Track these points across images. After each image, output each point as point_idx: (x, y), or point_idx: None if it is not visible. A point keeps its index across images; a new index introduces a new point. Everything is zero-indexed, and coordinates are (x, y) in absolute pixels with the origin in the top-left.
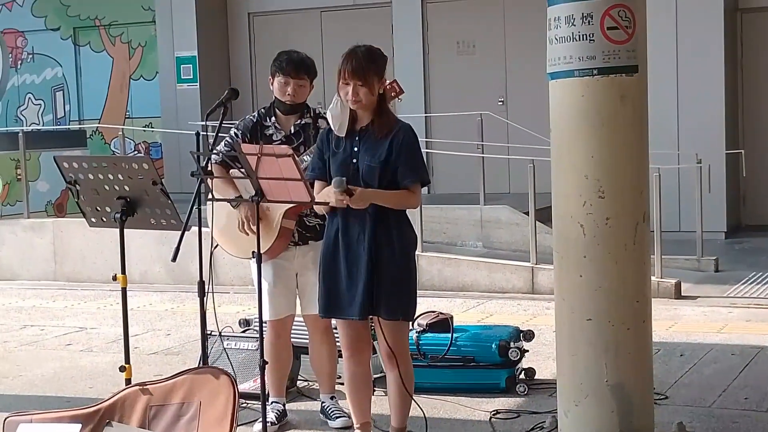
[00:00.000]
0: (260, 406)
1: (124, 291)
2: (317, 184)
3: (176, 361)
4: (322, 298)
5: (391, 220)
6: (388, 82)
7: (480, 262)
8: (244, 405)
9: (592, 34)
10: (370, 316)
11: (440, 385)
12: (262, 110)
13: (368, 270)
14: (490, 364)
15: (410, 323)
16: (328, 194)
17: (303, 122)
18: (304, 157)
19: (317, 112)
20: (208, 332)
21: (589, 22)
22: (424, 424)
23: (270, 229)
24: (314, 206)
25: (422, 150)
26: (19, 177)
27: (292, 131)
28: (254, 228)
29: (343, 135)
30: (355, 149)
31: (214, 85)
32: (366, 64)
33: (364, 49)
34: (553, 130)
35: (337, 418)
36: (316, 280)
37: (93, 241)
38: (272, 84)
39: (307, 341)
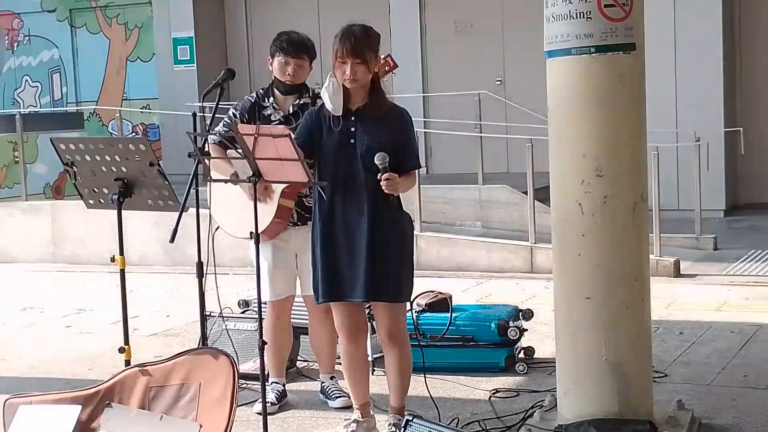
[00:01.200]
0: (260, 386)
1: (122, 273)
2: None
3: (176, 342)
4: (323, 282)
5: (388, 201)
6: (382, 57)
7: (478, 241)
8: (244, 386)
9: (589, 12)
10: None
11: (439, 364)
12: (261, 91)
13: (369, 252)
14: (490, 343)
15: (408, 303)
16: None
17: (301, 102)
18: None
19: (316, 92)
20: (208, 313)
21: None
22: (423, 403)
23: (269, 208)
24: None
25: (420, 130)
26: (16, 159)
27: (291, 111)
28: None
29: (340, 114)
30: (352, 129)
31: (211, 66)
32: (363, 42)
33: (359, 28)
34: (551, 109)
35: (337, 398)
36: None
37: (91, 223)
38: (271, 64)
39: (307, 322)
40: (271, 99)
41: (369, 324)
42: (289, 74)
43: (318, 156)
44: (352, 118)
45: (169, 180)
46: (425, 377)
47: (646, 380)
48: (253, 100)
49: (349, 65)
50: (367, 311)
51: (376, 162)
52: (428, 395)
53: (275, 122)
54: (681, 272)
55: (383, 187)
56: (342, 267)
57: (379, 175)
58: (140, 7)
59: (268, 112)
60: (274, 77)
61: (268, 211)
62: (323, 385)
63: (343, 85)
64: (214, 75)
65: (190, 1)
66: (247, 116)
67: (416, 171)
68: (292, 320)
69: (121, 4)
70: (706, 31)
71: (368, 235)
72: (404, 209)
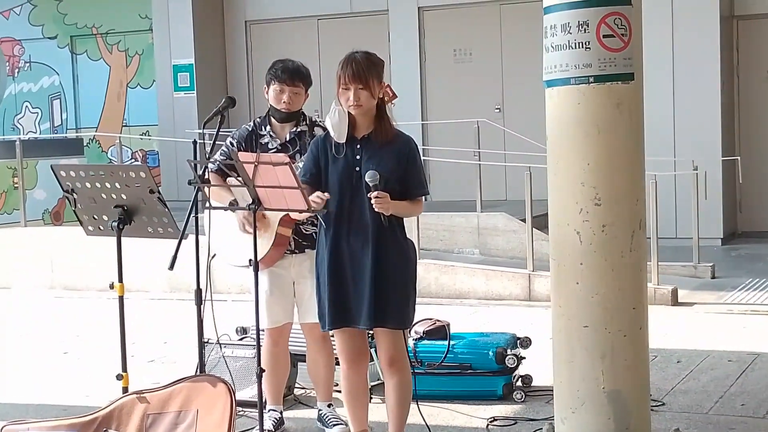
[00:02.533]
0: (257, 413)
1: (121, 299)
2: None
3: (173, 369)
4: (330, 310)
5: (392, 228)
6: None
7: (477, 269)
8: (242, 413)
9: (588, 42)
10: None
11: (437, 392)
12: (258, 119)
13: (374, 279)
14: (487, 371)
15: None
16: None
17: (299, 130)
18: (299, 164)
19: (313, 120)
20: (206, 340)
21: (585, 30)
22: (421, 431)
23: (267, 237)
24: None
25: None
26: (16, 185)
27: (288, 139)
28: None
29: (344, 141)
30: (357, 157)
31: (211, 94)
32: (366, 67)
33: (362, 54)
34: (549, 138)
35: (335, 425)
36: (313, 288)
37: (90, 250)
38: (267, 93)
39: (305, 349)
40: (268, 127)
41: (370, 350)
42: (284, 102)
43: (323, 184)
44: (358, 146)
45: (169, 207)
46: (418, 405)
47: (643, 408)
48: (250, 129)
49: (352, 91)
50: (369, 338)
51: (367, 180)
52: (428, 423)
53: (272, 150)
54: (679, 300)
55: (373, 205)
56: (348, 294)
57: (370, 193)
58: (141, 34)
59: (266, 140)
60: (270, 105)
61: (266, 240)
62: (320, 412)
63: (348, 111)
64: (214, 102)
65: (191, 28)
66: (244, 145)
67: (422, 198)
68: (289, 347)
69: (121, 31)
70: (704, 60)
71: (373, 263)
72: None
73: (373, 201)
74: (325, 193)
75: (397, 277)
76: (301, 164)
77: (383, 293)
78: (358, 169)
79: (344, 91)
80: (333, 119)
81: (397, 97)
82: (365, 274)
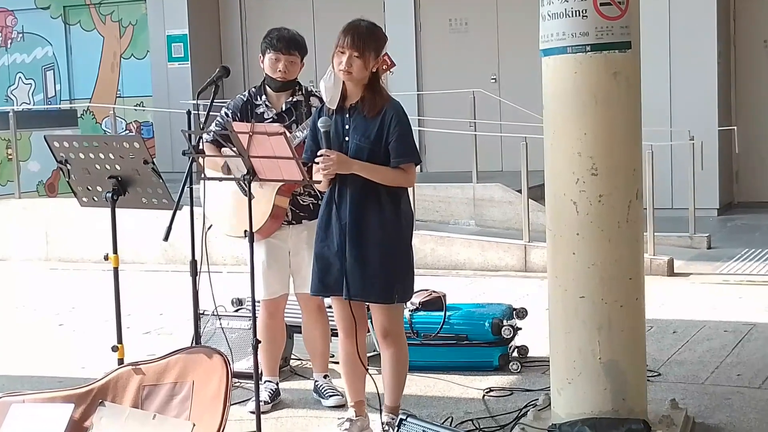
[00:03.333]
0: (253, 385)
1: (116, 271)
2: (314, 166)
3: (169, 340)
4: (315, 277)
5: (383, 199)
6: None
7: (473, 240)
8: (238, 384)
9: (585, 10)
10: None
11: (433, 363)
12: (253, 89)
13: (357, 251)
14: (484, 342)
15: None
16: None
17: (294, 100)
18: (296, 134)
19: (309, 89)
20: (201, 312)
21: None
22: (417, 402)
23: (264, 207)
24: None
25: (414, 128)
26: (10, 157)
27: (284, 109)
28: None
29: (334, 107)
30: (346, 127)
31: (206, 64)
32: (366, 36)
33: (367, 23)
34: (546, 108)
35: (331, 396)
36: (309, 259)
37: (84, 221)
38: (263, 61)
39: (301, 320)
40: (264, 97)
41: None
42: (280, 71)
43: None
44: (347, 115)
45: (163, 178)
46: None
47: (640, 379)
48: (245, 99)
49: (346, 56)
50: (367, 308)
51: (318, 125)
52: (423, 394)
53: (268, 120)
54: (675, 271)
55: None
56: (333, 264)
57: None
58: (134, 4)
59: (261, 109)
60: (266, 74)
61: (263, 210)
62: (317, 383)
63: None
64: (209, 72)
65: None
66: (239, 114)
67: (410, 167)
68: (285, 319)
69: (115, 2)
70: (701, 30)
71: (357, 235)
72: (410, 206)
73: (318, 161)
74: (331, 150)
75: (382, 251)
76: (297, 133)
77: (366, 266)
78: (347, 138)
79: (339, 54)
80: (327, 82)
81: (395, 65)
82: (349, 246)
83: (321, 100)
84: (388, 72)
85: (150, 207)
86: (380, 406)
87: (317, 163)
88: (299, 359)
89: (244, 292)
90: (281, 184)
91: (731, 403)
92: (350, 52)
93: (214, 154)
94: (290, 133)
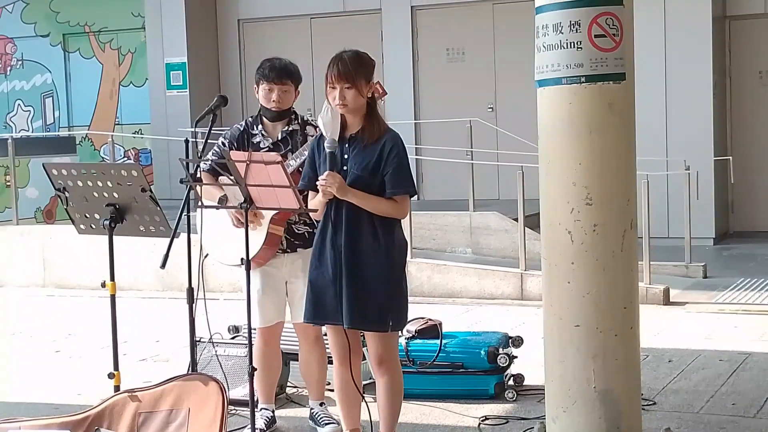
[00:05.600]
0: (249, 412)
1: (113, 298)
2: (310, 194)
3: (165, 367)
4: (309, 305)
5: (377, 227)
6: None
7: (469, 268)
8: (234, 412)
9: (580, 42)
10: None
11: (429, 391)
12: (249, 119)
13: (351, 279)
14: (479, 370)
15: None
16: (318, 201)
17: (290, 129)
18: (290, 162)
19: (305, 119)
20: (197, 339)
21: (576, 29)
22: (413, 430)
23: (258, 236)
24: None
25: (411, 157)
26: (8, 183)
27: (280, 138)
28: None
29: (336, 138)
30: (345, 156)
31: (204, 92)
32: (352, 66)
33: (350, 53)
34: (541, 137)
35: (327, 424)
36: (305, 287)
37: (82, 248)
38: (257, 92)
39: (297, 348)
40: (260, 126)
41: (363, 350)
42: (274, 101)
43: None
44: (346, 145)
45: (161, 205)
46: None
47: (635, 408)
48: (242, 129)
49: (338, 90)
50: (362, 336)
51: (324, 146)
52: (419, 422)
53: (264, 149)
54: (670, 300)
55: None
56: (327, 291)
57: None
58: (134, 32)
59: (257, 139)
60: (261, 105)
61: (257, 239)
62: (312, 411)
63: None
64: (207, 100)
65: (184, 26)
66: (236, 144)
67: (404, 199)
68: (282, 346)
69: (114, 29)
70: (696, 60)
71: (351, 263)
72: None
73: (319, 181)
74: (335, 173)
75: (377, 279)
76: (292, 162)
77: (360, 294)
78: (345, 168)
79: (331, 90)
80: (325, 118)
81: (386, 93)
82: (344, 274)
83: (316, 127)
84: (381, 100)
85: (147, 234)
86: None
87: (315, 190)
88: (295, 386)
89: (240, 319)
90: (275, 212)
91: None
92: (340, 85)
93: (211, 182)
94: (285, 161)
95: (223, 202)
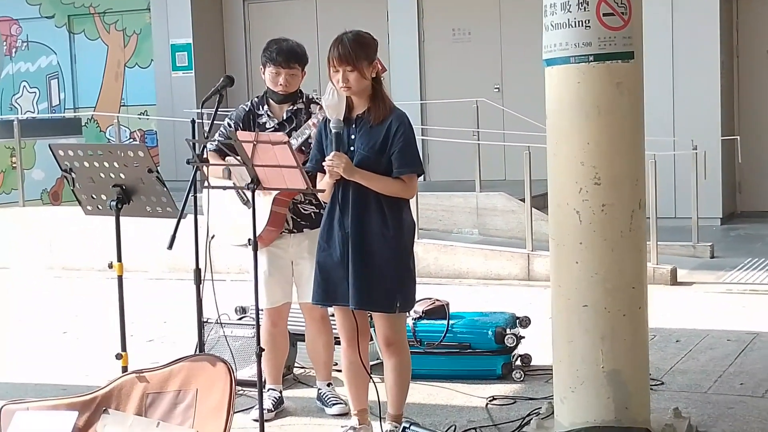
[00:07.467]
0: (257, 393)
1: (120, 279)
2: (318, 176)
3: (173, 348)
4: (317, 287)
5: (385, 208)
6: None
7: (476, 249)
8: (241, 392)
9: (588, 21)
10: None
11: (437, 371)
12: (255, 99)
13: (358, 260)
14: (487, 350)
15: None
16: (325, 182)
17: (295, 108)
18: (291, 141)
19: (310, 97)
20: (205, 320)
21: (585, 8)
22: (421, 410)
23: (261, 215)
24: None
25: (417, 137)
26: (14, 165)
27: (285, 117)
28: None
29: (341, 118)
30: (352, 137)
31: (210, 73)
32: (353, 48)
33: (351, 35)
34: (549, 117)
35: (334, 405)
36: (311, 268)
37: (88, 230)
38: (263, 74)
39: (304, 328)
40: (266, 107)
41: (371, 330)
42: (281, 84)
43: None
44: (353, 126)
45: (167, 186)
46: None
47: (643, 388)
48: (247, 109)
49: (340, 73)
50: (370, 318)
51: (331, 126)
52: (427, 403)
53: (270, 129)
54: (678, 280)
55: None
56: (335, 272)
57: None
58: (139, 13)
59: (263, 119)
60: (267, 87)
61: (260, 219)
62: (320, 392)
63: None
64: (213, 81)
65: (189, 7)
66: (242, 125)
67: (411, 178)
68: (289, 327)
69: (119, 11)
70: (704, 40)
71: (359, 244)
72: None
73: (325, 161)
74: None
75: (384, 260)
76: (293, 141)
77: (367, 275)
78: (352, 149)
79: (334, 73)
80: (330, 101)
81: (385, 70)
82: (351, 256)
83: (321, 106)
84: (381, 77)
85: (154, 215)
86: (383, 414)
87: (323, 172)
88: (302, 367)
89: (247, 300)
90: (277, 193)
91: (734, 412)
92: (342, 68)
93: (218, 162)
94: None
95: (224, 174)
